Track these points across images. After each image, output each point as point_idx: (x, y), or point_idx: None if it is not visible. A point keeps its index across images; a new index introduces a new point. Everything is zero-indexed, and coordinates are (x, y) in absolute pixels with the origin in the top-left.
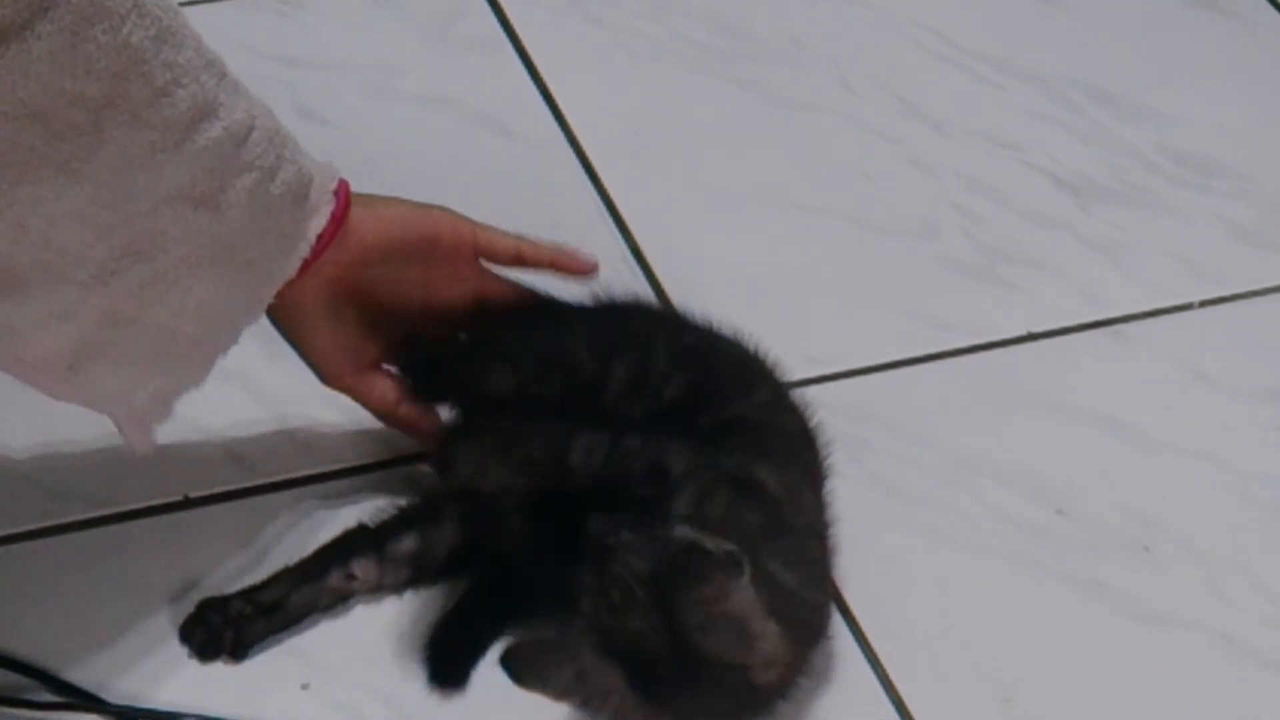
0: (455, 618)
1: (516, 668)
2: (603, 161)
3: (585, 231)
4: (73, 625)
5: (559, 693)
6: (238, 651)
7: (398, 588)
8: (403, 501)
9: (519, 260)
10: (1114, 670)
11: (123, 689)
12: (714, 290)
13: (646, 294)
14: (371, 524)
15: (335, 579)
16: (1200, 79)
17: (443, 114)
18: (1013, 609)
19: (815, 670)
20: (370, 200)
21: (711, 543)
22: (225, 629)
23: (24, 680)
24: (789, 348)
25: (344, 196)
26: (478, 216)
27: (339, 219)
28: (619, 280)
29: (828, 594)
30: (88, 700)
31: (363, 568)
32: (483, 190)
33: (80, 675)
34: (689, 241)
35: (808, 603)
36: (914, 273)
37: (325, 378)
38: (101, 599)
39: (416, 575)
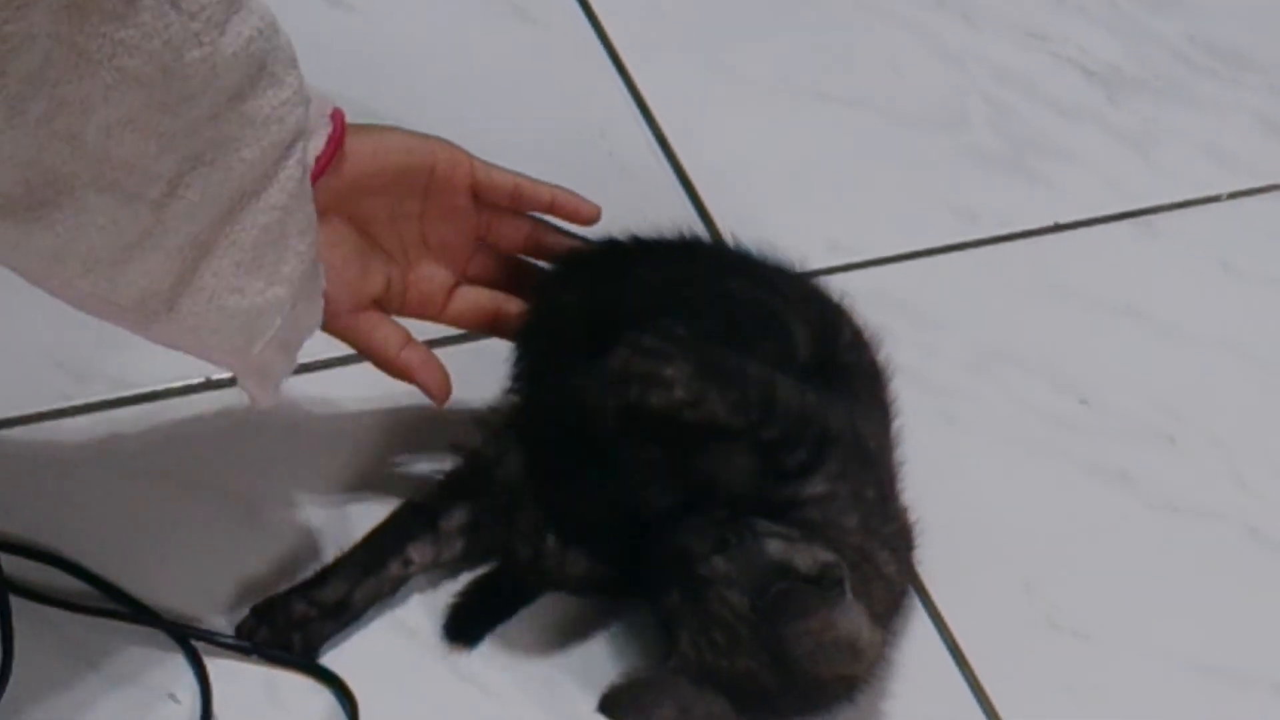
0: (486, 583)
1: (616, 709)
2: (629, 50)
3: (611, 121)
4: (95, 511)
5: None
6: (309, 653)
7: (455, 561)
8: (448, 467)
9: (517, 198)
10: (1136, 560)
11: (143, 577)
12: (740, 180)
13: (672, 185)
14: (421, 500)
15: (394, 568)
16: None
17: (467, 1)
18: (1035, 498)
19: None
20: (365, 128)
21: (805, 558)
22: (291, 632)
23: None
24: (813, 235)
25: (340, 122)
26: (503, 106)
27: (336, 141)
28: (646, 170)
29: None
30: (140, 612)
31: (419, 551)
32: (506, 79)
33: (104, 564)
34: (715, 132)
35: (901, 586)
36: (941, 163)
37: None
38: (123, 482)
39: (471, 546)
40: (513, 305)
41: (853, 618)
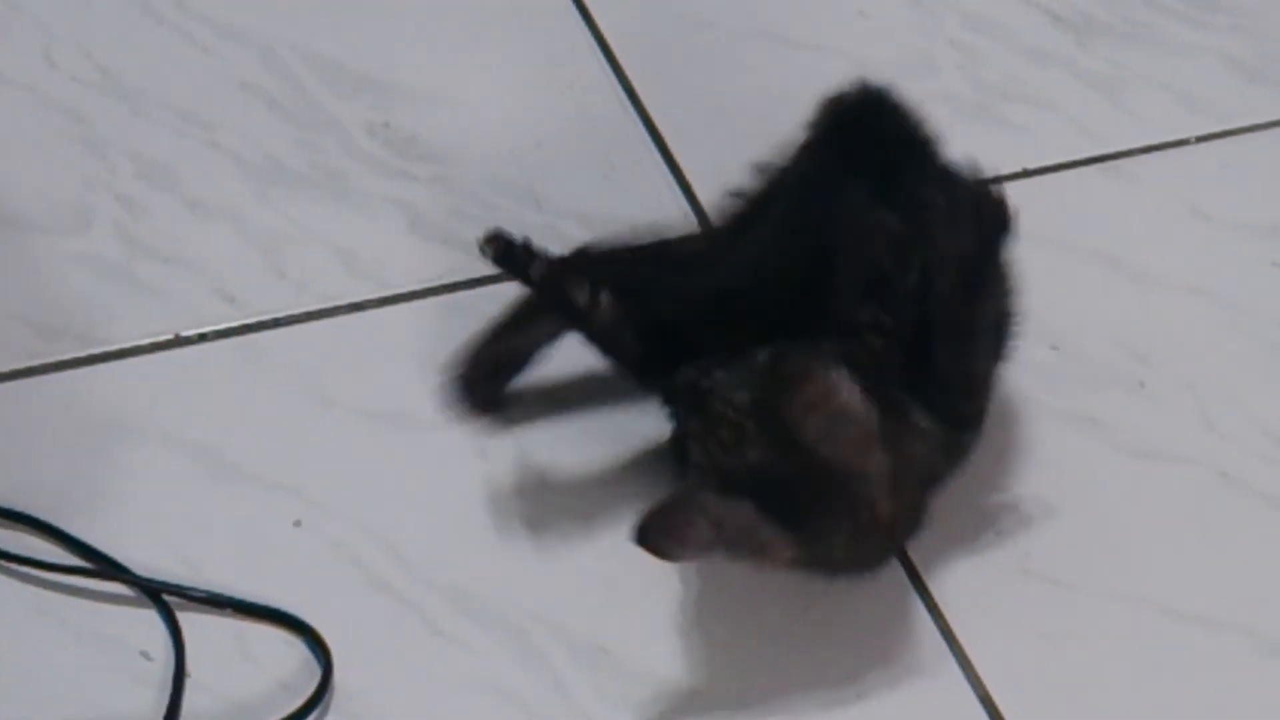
0: (493, 338)
1: (654, 541)
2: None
3: (579, 70)
4: (63, 467)
5: (702, 550)
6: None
7: None
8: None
9: None
10: (1107, 506)
11: (113, 533)
12: (709, 129)
13: (640, 134)
14: None
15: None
16: None
17: None
18: (1006, 444)
19: None
20: None
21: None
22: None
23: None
24: None
25: None
26: (468, 54)
27: None
28: (612, 120)
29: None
30: (110, 568)
31: None
32: (474, 27)
33: (74, 522)
34: (684, 80)
35: (946, 442)
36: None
37: None
38: (93, 439)
39: None
40: None
41: (854, 394)
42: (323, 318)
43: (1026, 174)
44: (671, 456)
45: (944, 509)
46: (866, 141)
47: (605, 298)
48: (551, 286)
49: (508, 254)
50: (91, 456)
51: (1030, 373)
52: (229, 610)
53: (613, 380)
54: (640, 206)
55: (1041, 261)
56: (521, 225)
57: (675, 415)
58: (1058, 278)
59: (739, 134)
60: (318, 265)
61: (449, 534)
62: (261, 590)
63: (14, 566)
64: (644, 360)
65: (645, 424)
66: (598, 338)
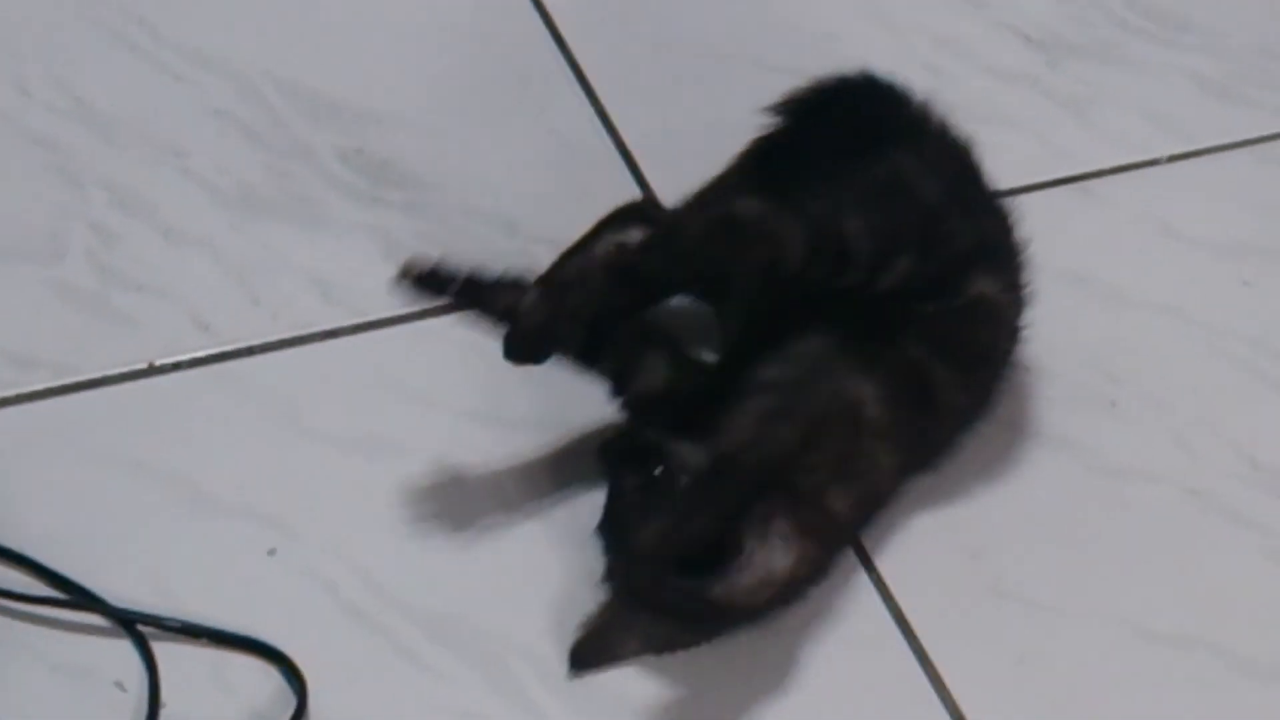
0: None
1: (585, 664)
2: (567, 21)
3: (552, 95)
4: (38, 498)
5: (631, 660)
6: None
7: None
8: None
9: None
10: (1080, 525)
11: (87, 564)
12: (682, 152)
13: (614, 158)
14: None
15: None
16: None
17: None
18: (979, 465)
19: None
20: None
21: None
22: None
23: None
24: None
25: None
26: (442, 80)
27: None
28: (585, 144)
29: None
30: (84, 598)
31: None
32: (447, 53)
33: (48, 552)
34: (657, 103)
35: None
36: None
37: None
38: (66, 469)
39: None
40: None
41: (760, 564)
42: (297, 345)
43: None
44: (605, 531)
45: (917, 531)
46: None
47: (533, 294)
48: (471, 297)
49: (423, 281)
50: (64, 486)
51: (1002, 393)
52: (204, 640)
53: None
54: None
55: None
56: (495, 250)
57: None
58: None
59: (712, 157)
60: (292, 293)
61: (423, 561)
62: (236, 619)
63: None
64: (585, 349)
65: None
66: (530, 336)
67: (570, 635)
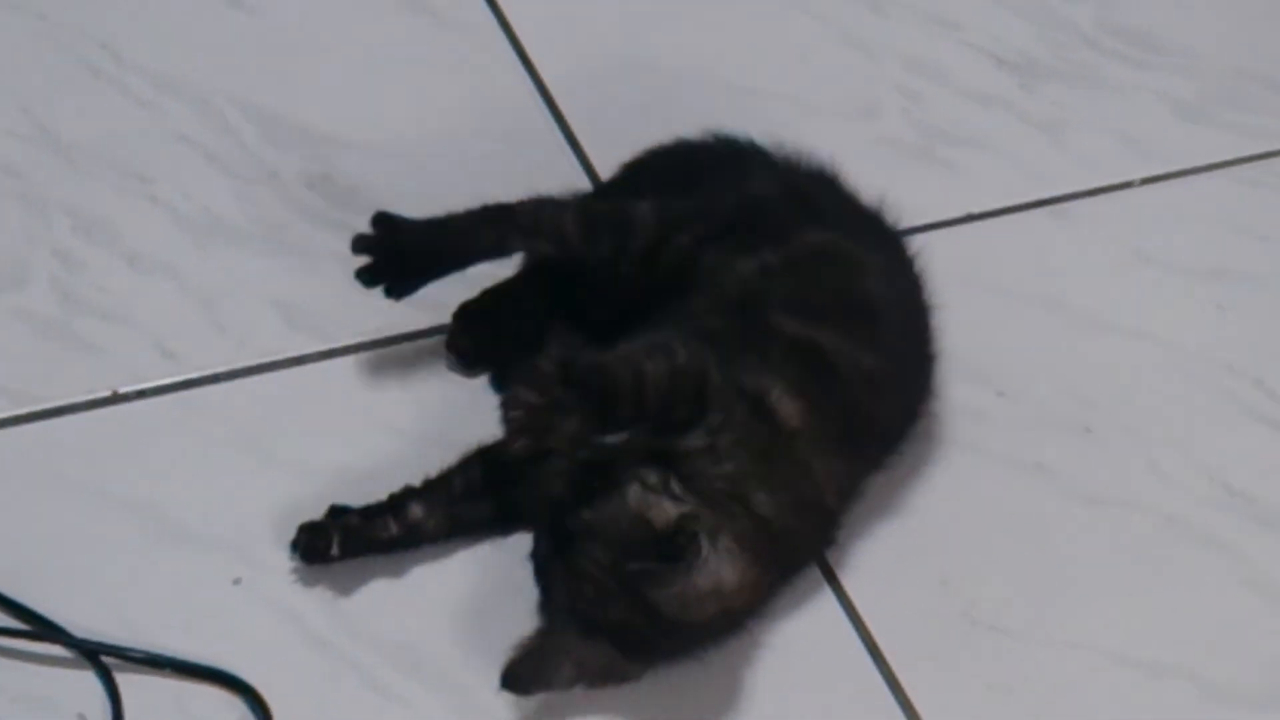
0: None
1: (518, 684)
2: (535, 44)
3: (519, 118)
4: (1, 529)
5: (566, 686)
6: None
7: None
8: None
9: None
10: (1053, 553)
11: (49, 594)
12: None
13: (581, 181)
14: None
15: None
16: None
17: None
18: (951, 491)
19: None
20: None
21: (660, 513)
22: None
23: None
24: None
25: None
26: (408, 105)
27: None
28: (554, 167)
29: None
30: (47, 629)
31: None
32: (412, 77)
33: (9, 582)
34: (625, 125)
35: (782, 523)
36: (853, 154)
37: None
38: (29, 498)
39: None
40: None
41: (713, 570)
42: (263, 372)
43: (971, 218)
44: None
45: (889, 558)
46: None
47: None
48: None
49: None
50: (27, 516)
51: (975, 419)
52: (168, 670)
53: None
54: None
55: (986, 306)
56: (462, 274)
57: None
58: (1002, 322)
59: None
60: (257, 319)
61: (388, 590)
62: (200, 649)
63: None
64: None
65: None
66: None
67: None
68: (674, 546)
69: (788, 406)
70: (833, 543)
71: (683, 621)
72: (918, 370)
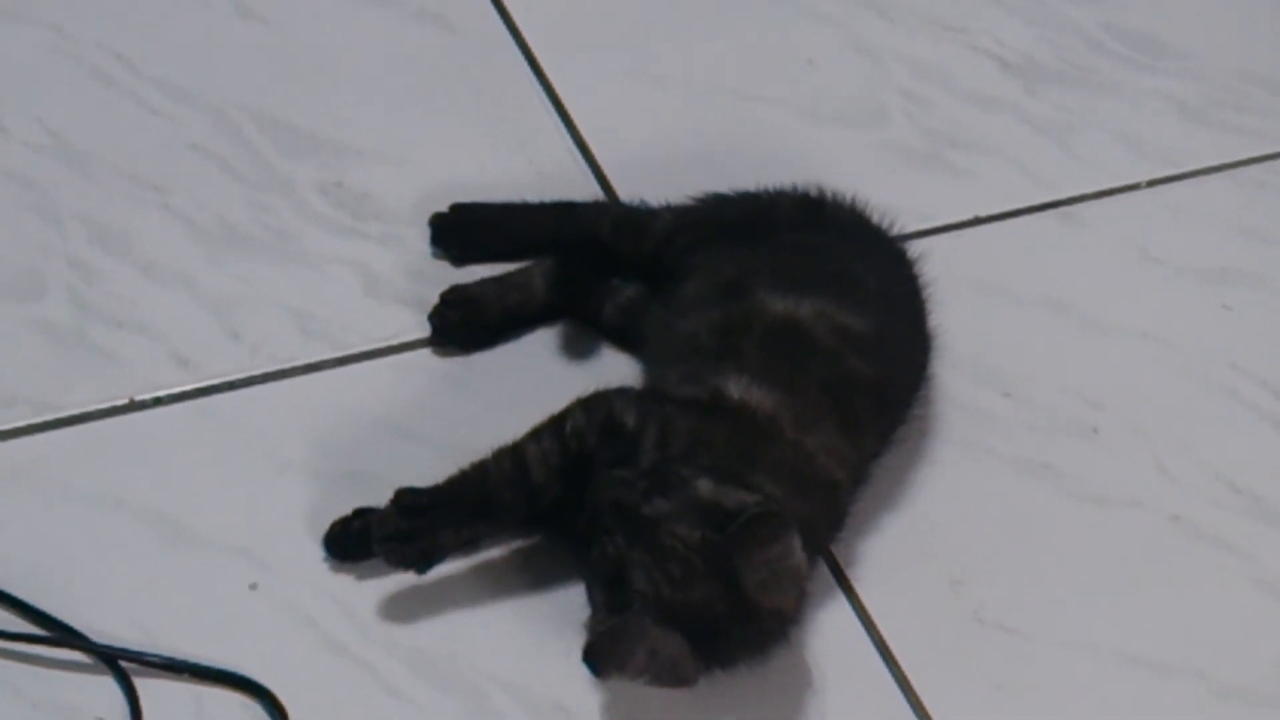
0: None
1: (599, 663)
2: (546, 54)
3: (530, 126)
4: (18, 535)
5: (635, 675)
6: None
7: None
8: None
9: None
10: (1061, 553)
11: (68, 600)
12: (660, 183)
13: (593, 189)
14: None
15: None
16: None
17: (383, 9)
18: (960, 492)
19: None
20: None
21: (730, 498)
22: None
23: None
24: None
25: None
26: (421, 113)
27: None
28: (565, 175)
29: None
30: (66, 635)
31: None
32: (425, 87)
33: (29, 588)
34: (634, 133)
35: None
36: (860, 159)
37: None
38: (48, 506)
39: None
40: None
41: (795, 546)
42: (277, 379)
43: (977, 221)
44: (594, 571)
45: (899, 559)
46: None
47: None
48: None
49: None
50: (46, 523)
51: (983, 420)
52: (186, 675)
53: None
54: None
55: (993, 308)
56: (472, 278)
57: (597, 528)
58: (1009, 324)
59: (690, 187)
60: (272, 327)
61: (405, 595)
62: (218, 654)
63: None
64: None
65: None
66: None
67: (554, 666)
68: (760, 518)
69: (756, 394)
70: (845, 518)
71: (758, 603)
72: (912, 335)
